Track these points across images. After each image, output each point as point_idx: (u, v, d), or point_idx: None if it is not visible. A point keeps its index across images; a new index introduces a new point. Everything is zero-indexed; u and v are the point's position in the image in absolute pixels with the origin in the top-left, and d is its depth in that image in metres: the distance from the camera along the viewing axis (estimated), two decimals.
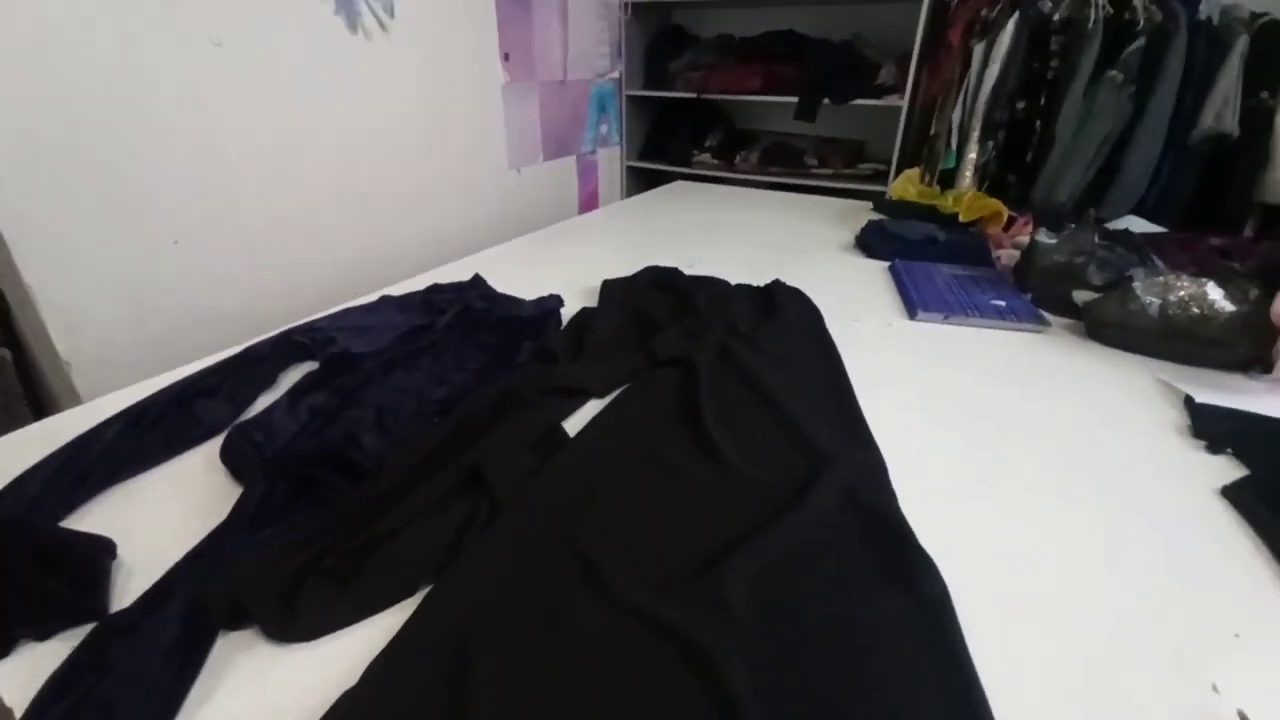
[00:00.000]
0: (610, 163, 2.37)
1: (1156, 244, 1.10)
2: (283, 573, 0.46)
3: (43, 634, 0.42)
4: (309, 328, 0.87)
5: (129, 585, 0.47)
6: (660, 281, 1.01)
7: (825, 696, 0.38)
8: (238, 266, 1.18)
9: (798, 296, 0.96)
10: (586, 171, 2.22)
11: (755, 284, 1.01)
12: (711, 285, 0.99)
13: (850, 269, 1.20)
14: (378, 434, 0.65)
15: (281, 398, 0.71)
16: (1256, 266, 0.84)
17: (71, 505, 0.55)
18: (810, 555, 0.48)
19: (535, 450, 0.61)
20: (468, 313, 0.91)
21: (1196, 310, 0.81)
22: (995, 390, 0.77)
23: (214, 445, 0.62)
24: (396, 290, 1.01)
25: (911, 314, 0.97)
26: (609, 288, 0.99)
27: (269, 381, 0.76)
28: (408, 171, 1.50)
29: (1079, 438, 0.68)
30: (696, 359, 0.74)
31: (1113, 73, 1.76)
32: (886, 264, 1.21)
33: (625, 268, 1.05)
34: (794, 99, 2.14)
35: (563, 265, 1.18)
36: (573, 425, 0.66)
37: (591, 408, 0.70)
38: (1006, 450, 0.65)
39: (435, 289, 0.99)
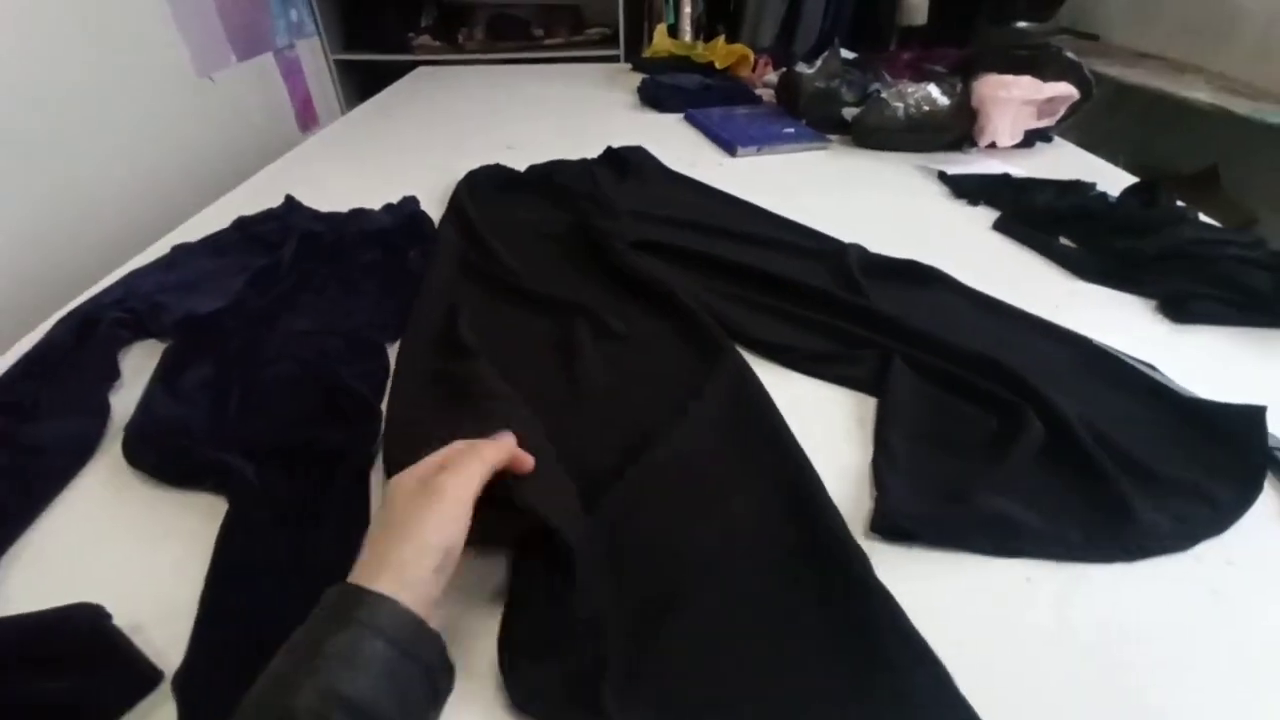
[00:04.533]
0: (314, 57, 2.01)
1: (868, 64, 1.37)
2: None
3: None
4: (107, 302, 0.66)
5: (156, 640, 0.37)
6: (502, 182, 0.93)
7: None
8: None
9: (644, 154, 1.01)
10: (292, 72, 1.86)
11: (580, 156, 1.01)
12: (563, 167, 0.96)
13: (652, 124, 1.27)
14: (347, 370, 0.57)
15: (150, 388, 0.56)
16: (952, 65, 1.12)
17: None
18: None
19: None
20: (314, 238, 0.77)
21: (927, 108, 1.07)
22: (820, 197, 0.93)
23: (98, 465, 0.50)
24: (183, 236, 0.80)
25: (731, 152, 1.09)
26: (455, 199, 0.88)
27: (112, 374, 0.59)
28: (68, 100, 1.11)
29: (884, 215, 0.87)
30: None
31: None
32: (678, 115, 1.30)
33: (445, 172, 0.95)
34: None
35: (367, 180, 0.99)
36: None
37: None
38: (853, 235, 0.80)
39: (246, 221, 0.81)
